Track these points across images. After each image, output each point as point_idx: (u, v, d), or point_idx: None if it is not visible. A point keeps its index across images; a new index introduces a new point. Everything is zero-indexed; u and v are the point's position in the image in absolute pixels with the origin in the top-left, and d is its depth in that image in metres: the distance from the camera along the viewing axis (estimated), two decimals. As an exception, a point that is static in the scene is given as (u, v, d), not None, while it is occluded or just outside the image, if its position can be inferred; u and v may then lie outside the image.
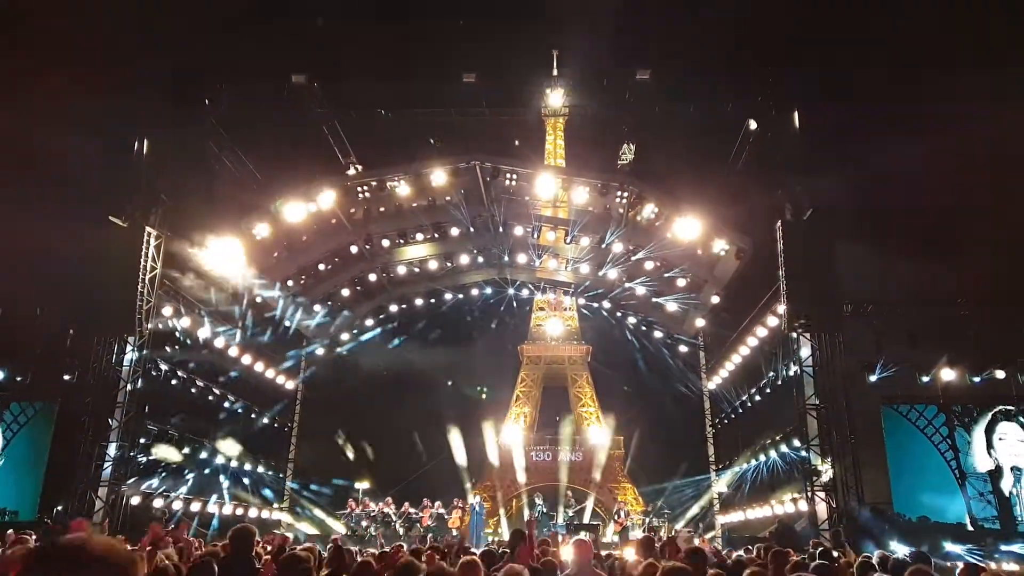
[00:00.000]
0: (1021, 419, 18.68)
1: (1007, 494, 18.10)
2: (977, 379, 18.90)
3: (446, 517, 24.11)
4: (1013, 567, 15.36)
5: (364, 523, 23.36)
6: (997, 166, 20.10)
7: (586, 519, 27.05)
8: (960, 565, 5.50)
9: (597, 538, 22.82)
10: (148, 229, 19.20)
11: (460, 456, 31.42)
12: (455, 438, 31.56)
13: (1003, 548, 17.30)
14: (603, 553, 11.68)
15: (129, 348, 19.02)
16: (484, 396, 36.97)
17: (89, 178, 18.72)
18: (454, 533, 23.40)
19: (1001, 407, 18.74)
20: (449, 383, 34.99)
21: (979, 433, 18.65)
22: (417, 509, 23.95)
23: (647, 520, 24.80)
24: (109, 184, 19.52)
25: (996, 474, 18.30)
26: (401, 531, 23.11)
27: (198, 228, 19.91)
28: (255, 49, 22.29)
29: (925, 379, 19.00)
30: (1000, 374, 18.78)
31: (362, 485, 28.30)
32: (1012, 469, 18.17)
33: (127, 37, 18.35)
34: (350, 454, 29.50)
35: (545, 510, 26.26)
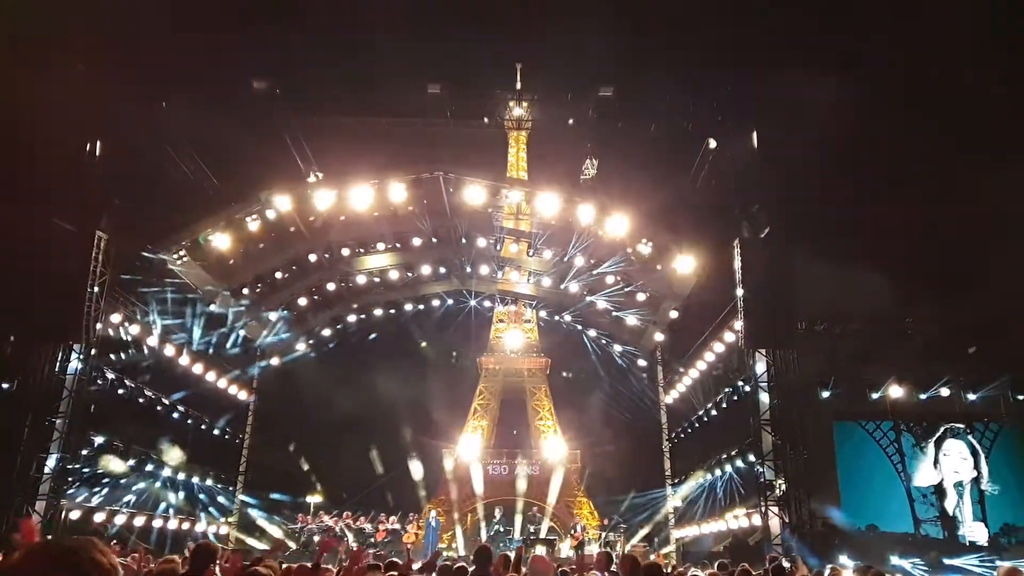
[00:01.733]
0: (964, 437, 19.21)
1: (950, 512, 18.56)
2: (924, 396, 19.42)
3: (401, 532, 23.77)
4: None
5: (316, 538, 22.87)
6: (949, 191, 20.75)
7: (543, 534, 26.91)
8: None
9: (554, 553, 22.76)
10: (98, 233, 18.61)
11: (416, 470, 31.06)
12: (411, 452, 31.21)
13: (946, 562, 17.75)
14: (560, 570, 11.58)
15: (74, 356, 18.36)
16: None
17: (36, 179, 18.05)
18: (409, 547, 23.06)
19: (949, 424, 19.26)
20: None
21: (928, 448, 19.13)
22: (372, 524, 23.57)
23: (603, 535, 24.82)
24: (58, 185, 18.86)
25: (940, 489, 18.78)
26: (354, 546, 22.68)
27: (151, 233, 19.40)
28: (215, 53, 21.86)
29: (875, 396, 19.46)
30: (945, 392, 19.34)
31: (314, 499, 27.75)
32: (955, 485, 18.66)
33: (81, 35, 17.81)
34: (303, 467, 28.92)
35: (502, 526, 26.09)
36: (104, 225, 18.78)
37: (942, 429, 19.22)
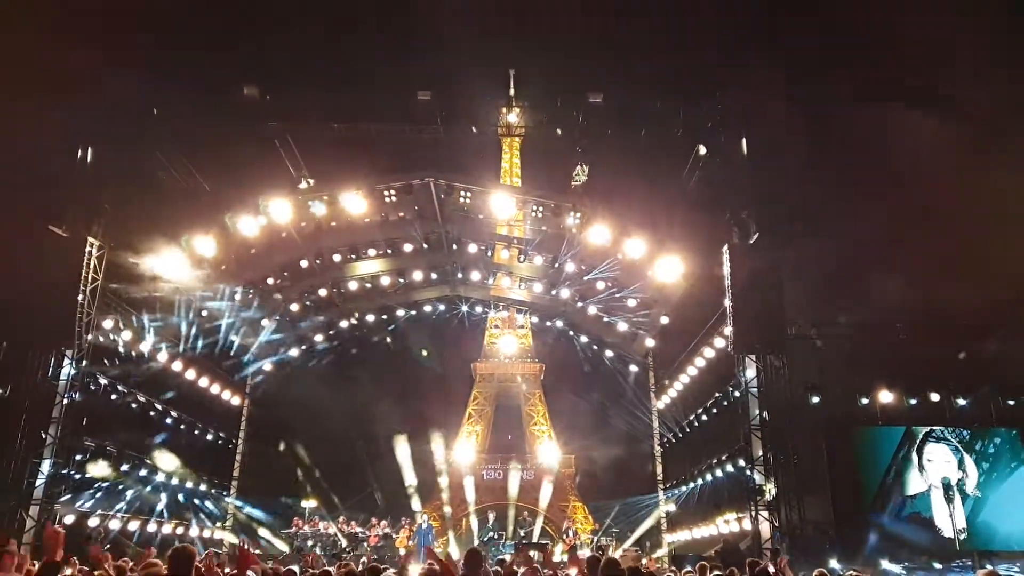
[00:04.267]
0: (948, 441, 19.32)
1: (938, 515, 18.64)
2: (913, 401, 19.53)
3: (394, 536, 23.80)
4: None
5: (310, 543, 22.90)
6: (941, 196, 20.90)
7: (535, 538, 26.96)
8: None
9: (547, 557, 22.77)
10: (90, 239, 18.67)
11: (410, 475, 31.08)
12: (405, 456, 31.22)
13: (936, 566, 17.86)
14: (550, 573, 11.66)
15: (67, 362, 18.40)
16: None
17: (28, 184, 18.11)
18: (403, 552, 23.10)
19: (929, 428, 19.37)
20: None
21: (913, 454, 19.24)
22: (364, 529, 23.61)
23: (596, 539, 24.88)
24: (49, 191, 18.93)
25: (927, 495, 18.87)
26: (348, 551, 22.72)
27: (143, 239, 19.41)
28: (205, 59, 21.97)
29: (864, 401, 19.55)
30: (935, 397, 19.45)
31: (309, 504, 27.76)
32: (942, 480, 18.73)
33: (71, 43, 17.87)
34: (297, 472, 28.93)
35: (495, 531, 26.13)
36: (96, 231, 18.85)
37: (922, 434, 19.32)
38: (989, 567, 9.32)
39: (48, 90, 17.11)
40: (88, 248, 18.59)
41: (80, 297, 18.31)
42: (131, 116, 19.69)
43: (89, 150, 18.90)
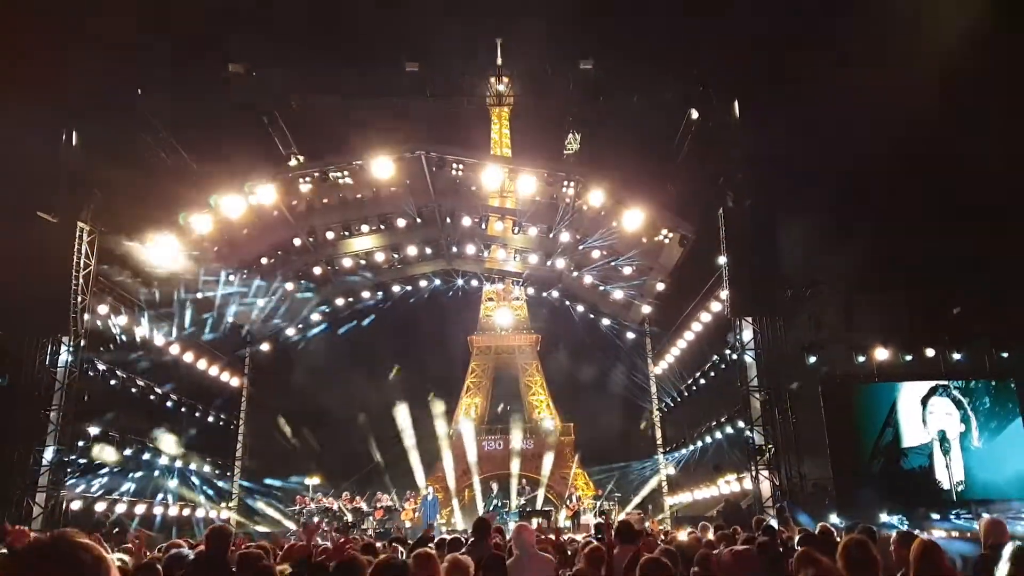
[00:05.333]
0: (949, 394, 19.54)
1: (936, 468, 18.94)
2: (909, 357, 19.71)
3: (399, 510, 24.04)
4: (941, 534, 16.18)
5: (315, 519, 23.09)
6: (935, 151, 20.81)
7: (538, 506, 27.30)
8: (893, 534, 5.77)
9: (551, 524, 23.09)
10: (80, 224, 18.50)
11: (412, 448, 31.34)
12: (406, 430, 31.46)
13: (934, 517, 18.18)
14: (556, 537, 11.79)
15: (64, 349, 18.35)
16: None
17: (14, 171, 17.87)
18: (408, 525, 23.36)
19: (935, 383, 19.57)
20: (392, 373, 34.46)
21: (916, 407, 19.43)
22: (369, 503, 23.81)
23: (598, 505, 25.19)
24: (37, 178, 18.69)
25: (925, 448, 19.15)
26: (354, 526, 22.95)
27: (133, 223, 19.26)
28: (188, 36, 21.59)
29: (861, 359, 19.72)
30: (930, 352, 19.63)
31: (312, 481, 27.97)
32: (941, 441, 19.00)
33: (52, 23, 17.52)
34: (299, 450, 29.11)
35: (499, 499, 26.43)
36: (85, 216, 18.67)
37: (927, 389, 19.53)
38: (986, 516, 9.47)
39: (30, 74, 16.80)
40: (79, 233, 18.43)
41: (73, 283, 18.21)
42: (116, 97, 19.39)
43: (74, 134, 18.64)
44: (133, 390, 21.14)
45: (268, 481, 27.17)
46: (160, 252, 19.93)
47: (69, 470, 18.14)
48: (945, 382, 19.54)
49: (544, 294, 29.17)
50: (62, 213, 18.37)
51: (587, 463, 39.45)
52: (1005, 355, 19.76)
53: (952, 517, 17.96)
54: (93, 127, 18.91)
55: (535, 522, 19.88)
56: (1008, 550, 4.19)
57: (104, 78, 18.66)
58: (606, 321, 28.69)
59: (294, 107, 20.78)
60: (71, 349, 18.38)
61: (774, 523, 12.07)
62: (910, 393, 19.55)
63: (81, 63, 17.66)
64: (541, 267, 25.75)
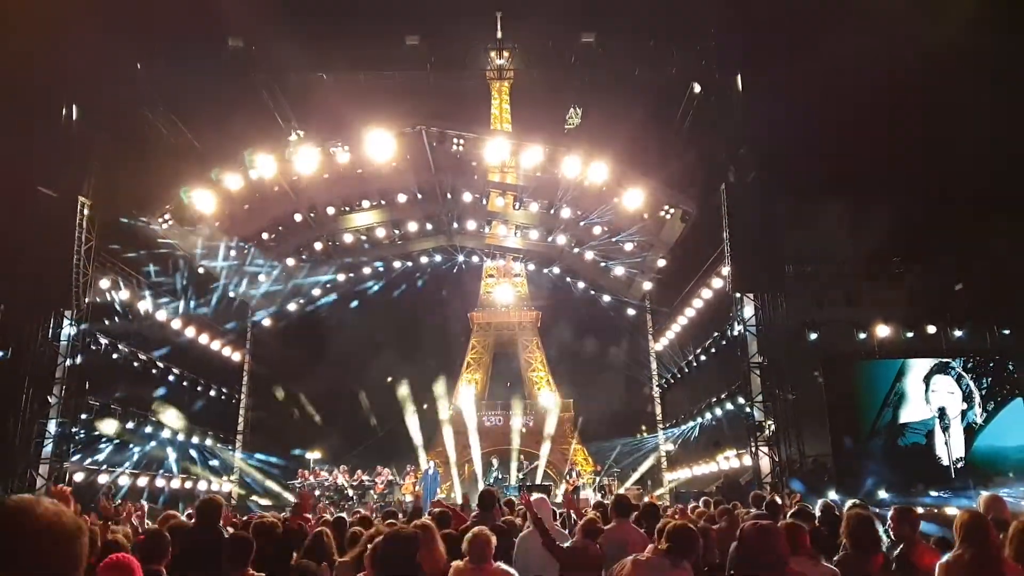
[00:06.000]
0: (950, 371, 19.58)
1: (937, 444, 19.03)
2: (910, 334, 19.72)
3: (399, 483, 24.22)
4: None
5: (316, 493, 23.28)
6: (938, 131, 20.68)
7: (538, 480, 27.49)
8: (891, 510, 5.79)
9: (551, 498, 23.28)
10: (81, 199, 18.44)
11: (412, 423, 31.49)
12: (407, 405, 31.59)
13: (932, 494, 18.29)
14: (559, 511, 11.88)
15: (66, 323, 18.38)
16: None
17: (14, 148, 17.78)
18: (408, 499, 23.53)
19: (937, 360, 19.57)
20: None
21: (917, 384, 19.46)
22: (370, 477, 23.99)
23: (598, 480, 25.37)
24: (38, 153, 18.60)
25: (925, 424, 19.22)
26: (355, 499, 23.14)
27: (134, 198, 19.21)
28: (188, 10, 21.34)
29: (862, 335, 19.73)
30: (931, 329, 19.64)
31: (314, 455, 28.15)
32: (941, 419, 19.07)
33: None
34: (300, 424, 29.27)
35: (499, 474, 26.62)
36: (87, 191, 18.61)
37: (930, 365, 19.54)
38: (991, 492, 9.51)
39: (30, 48, 16.65)
40: (80, 208, 18.38)
41: (75, 258, 18.20)
42: (116, 72, 19.23)
43: (74, 108, 18.52)
44: (135, 364, 21.21)
45: (268, 456, 27.34)
46: (162, 226, 19.88)
47: (72, 443, 18.27)
48: (948, 360, 19.56)
49: (545, 270, 29.13)
50: (63, 188, 18.31)
51: (586, 438, 39.72)
52: (1007, 332, 19.78)
53: (949, 494, 18.08)
54: (93, 102, 18.79)
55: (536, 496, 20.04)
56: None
57: (104, 53, 18.48)
58: (607, 298, 28.68)
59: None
60: (73, 323, 18.42)
61: (778, 499, 12.12)
62: (913, 370, 19.57)
63: (81, 38, 17.48)
64: (542, 243, 25.69)
